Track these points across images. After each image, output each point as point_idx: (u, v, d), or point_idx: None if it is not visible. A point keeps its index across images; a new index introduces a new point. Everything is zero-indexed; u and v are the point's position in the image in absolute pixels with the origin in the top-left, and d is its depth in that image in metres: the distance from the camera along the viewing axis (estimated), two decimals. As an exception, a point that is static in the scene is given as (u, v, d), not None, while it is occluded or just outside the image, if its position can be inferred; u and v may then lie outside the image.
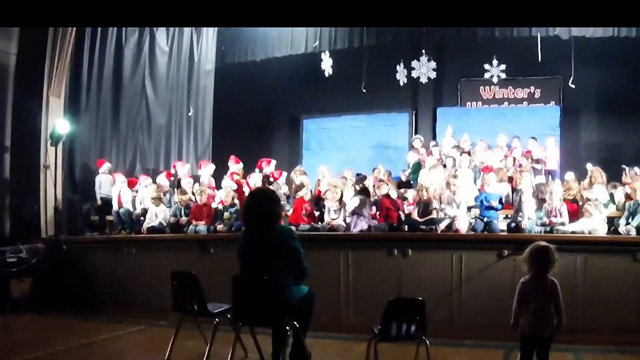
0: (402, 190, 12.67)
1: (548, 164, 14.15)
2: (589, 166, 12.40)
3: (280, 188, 13.09)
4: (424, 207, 11.06)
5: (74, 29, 13.63)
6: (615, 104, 15.58)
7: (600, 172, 11.67)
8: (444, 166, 13.76)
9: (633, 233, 9.82)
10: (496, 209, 10.93)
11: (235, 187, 12.83)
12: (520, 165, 13.47)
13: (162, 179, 13.94)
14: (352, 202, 11.55)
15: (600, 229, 10.06)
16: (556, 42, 14.18)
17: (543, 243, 5.89)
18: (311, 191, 12.67)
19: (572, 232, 10.01)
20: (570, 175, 12.53)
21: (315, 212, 12.16)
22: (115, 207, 13.57)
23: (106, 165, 14.30)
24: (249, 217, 6.48)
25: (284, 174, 13.89)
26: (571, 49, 14.07)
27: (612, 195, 11.56)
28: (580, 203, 10.86)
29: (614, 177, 12.10)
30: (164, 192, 13.44)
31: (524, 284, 5.84)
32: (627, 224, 10.08)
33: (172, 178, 14.40)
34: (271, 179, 13.32)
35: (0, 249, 11.94)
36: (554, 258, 5.77)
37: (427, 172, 12.82)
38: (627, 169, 12.21)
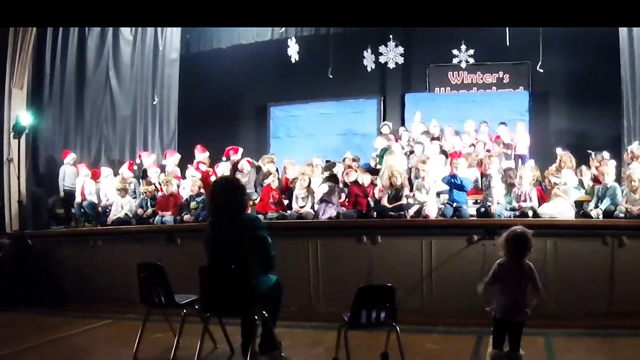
0: (373, 176, 12.61)
1: (518, 149, 14.16)
2: (558, 151, 12.43)
3: (248, 176, 12.96)
4: (395, 193, 11.00)
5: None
6: (584, 89, 15.60)
7: (569, 157, 11.70)
8: (412, 152, 13.74)
9: (596, 216, 9.85)
10: (465, 189, 10.90)
11: (199, 176, 12.71)
12: (488, 151, 13.46)
13: (124, 169, 13.74)
14: (320, 189, 11.48)
15: (567, 213, 10.08)
16: (524, 27, 14.16)
17: (520, 228, 5.89)
18: (279, 179, 12.59)
19: (541, 215, 10.04)
20: (531, 163, 12.55)
21: (283, 200, 12.08)
22: (78, 199, 13.39)
23: (71, 156, 14.13)
24: (215, 206, 6.42)
25: (244, 162, 13.72)
26: (539, 34, 14.08)
27: (580, 181, 11.60)
28: (549, 188, 10.88)
29: (583, 161, 12.14)
30: (128, 183, 13.25)
31: (500, 265, 5.85)
32: (597, 207, 10.10)
33: (136, 168, 14.24)
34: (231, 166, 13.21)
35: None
36: (531, 243, 5.78)
37: (392, 157, 12.76)
38: (593, 153, 12.26)
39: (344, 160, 14.20)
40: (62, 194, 13.95)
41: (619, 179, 10.77)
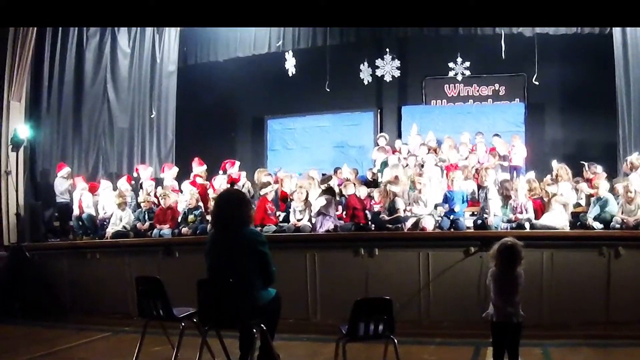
0: (370, 189, 12.62)
1: (514, 160, 14.19)
2: (554, 164, 12.43)
3: (242, 188, 12.94)
4: (391, 205, 11.02)
5: (34, 31, 13.42)
6: (579, 100, 15.71)
7: (566, 170, 11.72)
8: (406, 165, 13.77)
9: (599, 227, 9.89)
10: (456, 213, 10.94)
11: (196, 189, 12.71)
12: (481, 163, 13.49)
13: (123, 183, 13.74)
14: (317, 202, 11.49)
15: (563, 224, 10.11)
16: (520, 39, 14.25)
17: (510, 240, 5.95)
18: (275, 191, 12.61)
19: (540, 227, 10.07)
20: (530, 175, 12.57)
21: (278, 212, 12.13)
22: (75, 212, 13.36)
23: (65, 170, 14.10)
24: (219, 219, 6.41)
25: (243, 174, 13.74)
26: (535, 46, 14.14)
27: (576, 192, 11.66)
28: (546, 199, 10.89)
29: (579, 173, 12.19)
30: (126, 196, 13.23)
31: (493, 275, 5.95)
32: (595, 219, 10.13)
33: (133, 182, 14.23)
34: (229, 183, 13.16)
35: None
36: (522, 255, 5.84)
37: (389, 170, 12.80)
38: (586, 165, 12.30)
39: (335, 171, 14.25)
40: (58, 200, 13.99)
41: (611, 189, 10.81)
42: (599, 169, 12.00)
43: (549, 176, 11.97)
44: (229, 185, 12.78)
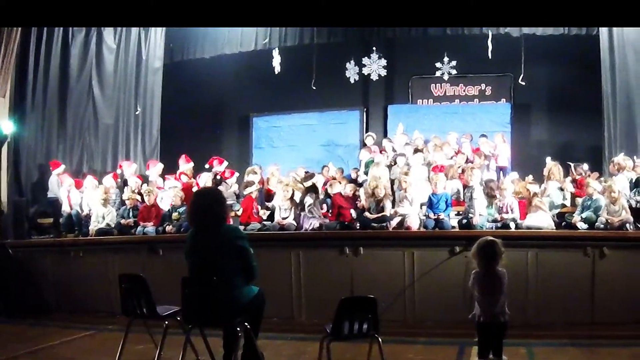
0: (356, 187, 12.60)
1: (499, 160, 14.21)
2: (548, 160, 12.42)
3: (230, 187, 12.90)
4: (377, 204, 11.02)
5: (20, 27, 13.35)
6: (565, 101, 15.76)
7: (558, 168, 11.73)
8: (395, 162, 13.75)
9: (584, 227, 9.92)
10: (446, 207, 10.95)
11: (180, 186, 12.65)
12: (470, 162, 13.49)
13: (108, 180, 13.65)
14: (306, 201, 11.46)
15: (548, 224, 10.14)
16: (506, 40, 14.27)
17: (490, 238, 5.98)
18: (260, 190, 12.58)
19: (525, 227, 10.09)
20: (514, 175, 12.59)
21: (263, 210, 12.12)
22: (66, 209, 13.27)
23: (62, 168, 14.00)
24: (195, 217, 6.38)
25: (236, 174, 13.69)
26: (521, 46, 14.16)
27: (562, 191, 11.69)
28: (528, 197, 10.91)
29: (565, 173, 12.22)
30: (110, 193, 13.14)
31: (476, 275, 5.98)
32: (582, 219, 10.15)
33: (119, 179, 14.14)
34: (219, 177, 13.11)
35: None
36: (501, 251, 5.88)
37: (377, 169, 12.77)
38: (572, 165, 12.33)
39: (322, 169, 14.22)
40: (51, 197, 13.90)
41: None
42: (585, 167, 12.06)
43: (530, 176, 12.01)
44: (218, 179, 12.78)
